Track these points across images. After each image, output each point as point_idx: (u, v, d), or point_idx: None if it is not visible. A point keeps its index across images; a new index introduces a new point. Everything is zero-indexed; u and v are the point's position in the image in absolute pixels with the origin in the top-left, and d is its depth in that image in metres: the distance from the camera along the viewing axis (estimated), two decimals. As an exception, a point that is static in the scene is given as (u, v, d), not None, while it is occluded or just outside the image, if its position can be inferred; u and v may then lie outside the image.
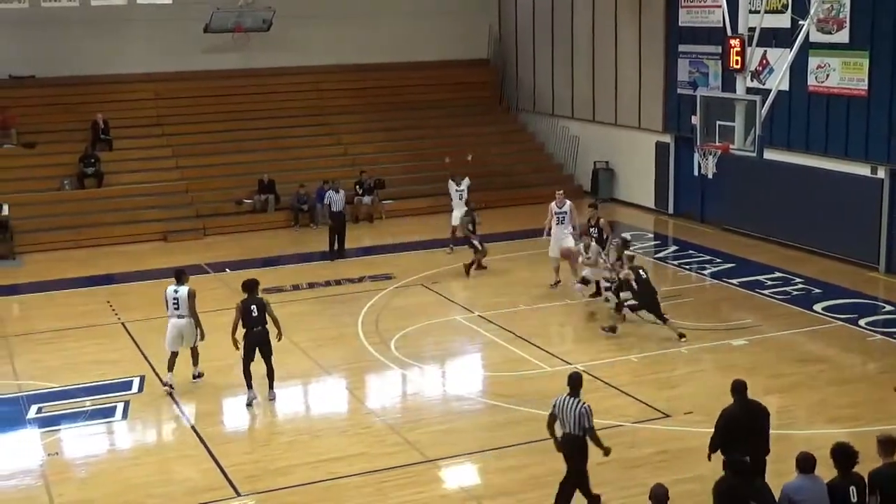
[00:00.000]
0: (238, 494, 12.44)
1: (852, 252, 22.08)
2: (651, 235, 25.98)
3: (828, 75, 22.31)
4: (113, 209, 27.08)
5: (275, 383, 15.31)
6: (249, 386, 15.13)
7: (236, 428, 14.88)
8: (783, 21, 22.03)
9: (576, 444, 11.09)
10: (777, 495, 9.34)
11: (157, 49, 30.31)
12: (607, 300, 18.82)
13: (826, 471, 9.36)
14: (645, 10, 27.86)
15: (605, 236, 19.68)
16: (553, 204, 20.85)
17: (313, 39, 31.67)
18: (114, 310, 20.24)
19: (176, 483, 12.81)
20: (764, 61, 22.99)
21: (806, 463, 9.28)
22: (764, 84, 22.58)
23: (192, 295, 15.61)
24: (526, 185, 29.89)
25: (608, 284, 18.69)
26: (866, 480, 9.26)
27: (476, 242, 21.89)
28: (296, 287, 21.46)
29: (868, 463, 9.44)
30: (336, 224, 24.21)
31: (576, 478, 11.21)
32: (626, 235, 20.24)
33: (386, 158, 30.73)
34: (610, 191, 29.96)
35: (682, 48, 26.75)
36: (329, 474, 12.84)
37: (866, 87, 21.42)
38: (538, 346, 17.36)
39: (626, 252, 18.30)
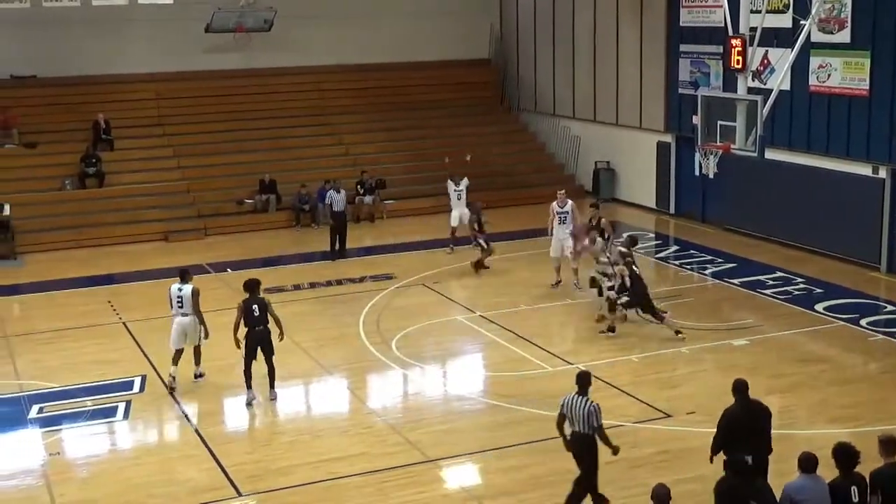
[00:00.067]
0: (239, 494, 12.44)
1: (854, 252, 22.07)
2: (652, 235, 25.96)
3: (829, 75, 22.30)
4: (114, 209, 27.09)
5: (276, 383, 15.30)
6: (249, 386, 15.13)
7: (237, 428, 14.88)
8: (784, 21, 22.01)
9: (585, 442, 11.09)
10: (778, 495, 9.34)
11: (159, 49, 30.32)
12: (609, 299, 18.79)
13: (827, 471, 9.36)
14: (646, 10, 27.86)
15: (606, 236, 19.67)
16: (555, 203, 20.86)
17: (314, 39, 31.68)
18: (115, 310, 20.24)
19: (177, 483, 12.81)
20: (765, 61, 22.98)
21: (808, 463, 9.28)
22: (765, 84, 22.57)
23: (195, 293, 15.66)
24: (527, 185, 29.89)
25: (611, 284, 18.64)
26: (868, 480, 9.26)
27: (482, 241, 21.92)
28: (297, 287, 21.47)
29: (869, 463, 9.43)
30: (337, 224, 24.23)
31: (585, 478, 11.20)
32: (635, 234, 20.20)
33: (387, 158, 30.74)
34: (611, 191, 29.95)
35: (683, 48, 26.75)
36: (330, 474, 12.84)
37: (867, 87, 21.42)
38: (539, 346, 17.36)
39: (621, 248, 18.25)
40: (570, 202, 21.00)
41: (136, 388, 15.96)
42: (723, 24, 20.51)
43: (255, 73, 31.40)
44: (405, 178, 29.87)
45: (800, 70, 22.12)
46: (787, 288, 20.58)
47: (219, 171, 29.16)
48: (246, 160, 29.24)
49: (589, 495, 11.31)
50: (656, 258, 23.70)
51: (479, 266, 22.04)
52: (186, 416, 14.96)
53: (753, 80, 20.91)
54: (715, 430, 10.88)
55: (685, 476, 12.01)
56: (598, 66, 30.05)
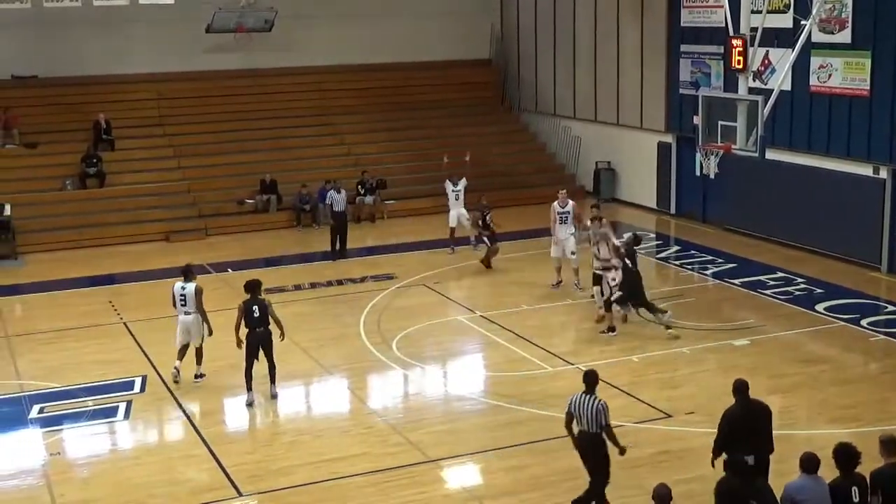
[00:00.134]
0: (240, 494, 12.44)
1: (854, 252, 22.06)
2: (653, 235, 25.95)
3: (830, 75, 22.31)
4: (115, 209, 27.10)
5: (277, 383, 15.31)
6: (249, 388, 15.12)
7: (238, 428, 14.88)
8: (785, 21, 22.01)
9: (593, 441, 11.09)
10: (779, 495, 9.34)
11: (160, 49, 30.31)
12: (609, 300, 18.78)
13: (828, 471, 9.36)
14: (647, 11, 27.86)
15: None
16: (556, 204, 20.85)
17: (315, 39, 31.68)
18: (116, 310, 20.24)
19: (178, 483, 12.81)
20: (766, 61, 22.97)
21: (809, 463, 9.27)
22: (766, 84, 22.55)
23: (199, 291, 15.71)
24: (528, 186, 29.88)
25: (615, 283, 18.62)
26: (868, 481, 9.26)
27: (486, 239, 21.94)
28: (298, 287, 21.47)
29: (870, 463, 9.43)
30: (338, 224, 24.24)
31: (594, 481, 11.19)
32: (640, 233, 20.19)
33: (389, 158, 30.75)
34: (612, 191, 29.95)
35: (684, 48, 26.75)
36: (331, 474, 12.84)
37: (868, 88, 21.42)
38: (540, 347, 17.36)
39: (615, 242, 18.20)
40: (571, 202, 20.98)
41: (137, 388, 15.97)
42: (723, 25, 20.51)
43: (256, 73, 31.41)
44: (406, 178, 29.88)
45: (800, 70, 22.13)
46: (788, 288, 20.57)
47: (220, 171, 29.17)
48: (247, 160, 29.25)
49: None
50: (657, 258, 23.70)
51: (488, 261, 22.07)
52: (187, 416, 14.97)
53: (754, 81, 20.89)
54: (715, 430, 10.88)
55: (685, 476, 12.00)
56: (599, 66, 30.05)
